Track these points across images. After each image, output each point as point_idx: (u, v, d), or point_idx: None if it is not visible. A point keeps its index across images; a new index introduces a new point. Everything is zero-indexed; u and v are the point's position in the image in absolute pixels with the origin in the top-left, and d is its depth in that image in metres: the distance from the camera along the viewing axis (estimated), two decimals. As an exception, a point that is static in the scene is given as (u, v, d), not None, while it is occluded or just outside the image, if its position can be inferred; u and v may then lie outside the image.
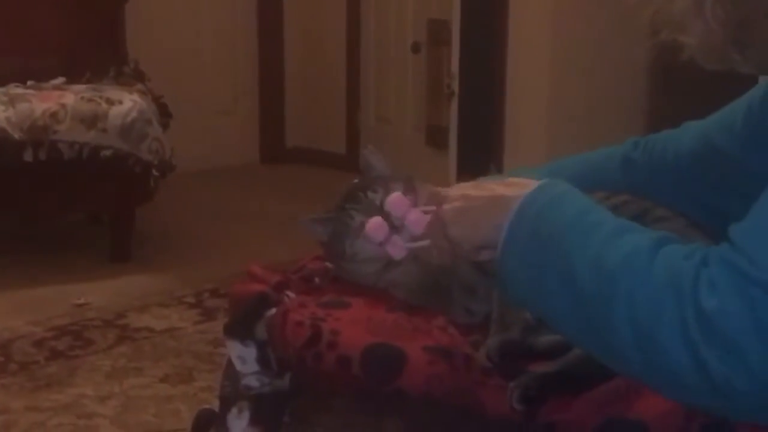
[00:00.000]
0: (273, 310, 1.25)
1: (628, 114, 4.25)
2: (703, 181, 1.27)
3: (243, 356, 1.25)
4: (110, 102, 3.48)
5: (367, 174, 1.35)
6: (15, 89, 3.61)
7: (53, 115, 3.39)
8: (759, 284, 0.85)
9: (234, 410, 1.27)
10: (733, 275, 0.86)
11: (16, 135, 3.34)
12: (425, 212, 1.23)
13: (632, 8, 1.01)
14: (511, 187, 1.05)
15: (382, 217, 1.24)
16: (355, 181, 1.35)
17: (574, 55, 4.10)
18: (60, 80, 3.79)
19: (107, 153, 3.43)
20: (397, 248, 1.22)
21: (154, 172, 3.52)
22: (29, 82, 3.72)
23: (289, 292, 1.31)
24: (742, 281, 0.85)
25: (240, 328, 1.27)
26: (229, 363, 1.29)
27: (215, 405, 1.36)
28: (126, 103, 3.49)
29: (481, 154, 4.39)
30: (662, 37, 0.99)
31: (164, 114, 3.82)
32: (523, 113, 4.21)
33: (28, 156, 3.35)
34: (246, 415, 1.25)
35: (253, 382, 1.25)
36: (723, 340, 0.84)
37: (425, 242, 1.19)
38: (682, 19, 0.96)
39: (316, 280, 1.37)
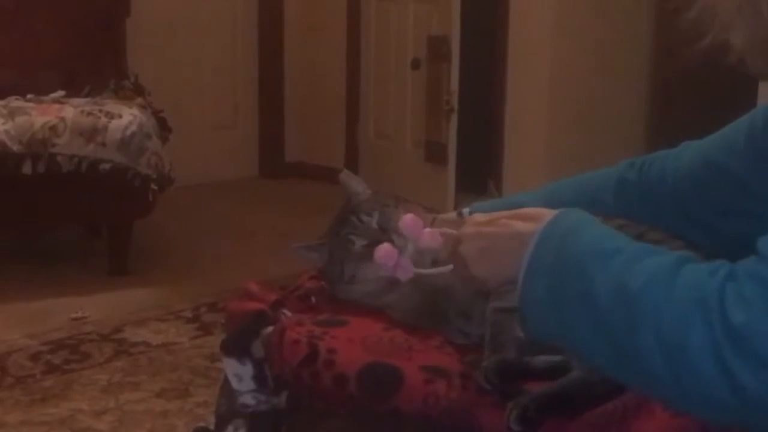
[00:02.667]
0: (270, 329, 1.25)
1: (628, 130, 4.26)
2: (703, 201, 1.25)
3: (239, 374, 1.25)
4: (110, 116, 3.49)
5: (351, 198, 1.36)
6: (15, 102, 3.61)
7: (52, 129, 3.39)
8: None
9: (230, 428, 1.26)
10: (763, 287, 0.85)
11: (15, 148, 3.34)
12: (441, 233, 1.23)
13: (673, 12, 0.99)
14: (526, 221, 1.04)
15: (387, 240, 1.25)
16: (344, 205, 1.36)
17: (574, 72, 4.11)
18: (60, 93, 3.79)
19: (106, 166, 3.43)
20: (406, 271, 1.22)
21: (153, 186, 3.52)
22: (29, 95, 3.72)
23: (285, 311, 1.31)
24: None
25: (237, 346, 1.26)
26: (226, 381, 1.28)
27: (211, 421, 1.36)
28: (125, 117, 3.50)
29: (479, 171, 4.39)
30: (707, 41, 0.96)
31: (164, 128, 3.82)
32: (522, 130, 4.22)
33: (26, 169, 3.35)
34: (242, 433, 1.25)
35: (249, 400, 1.25)
36: (753, 353, 0.83)
37: (448, 267, 1.19)
38: (730, 18, 0.93)
39: (313, 299, 1.37)
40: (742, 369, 0.84)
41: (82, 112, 3.49)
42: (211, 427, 1.37)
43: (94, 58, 4.09)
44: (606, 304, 0.92)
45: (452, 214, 1.43)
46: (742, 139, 1.20)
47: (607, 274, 0.93)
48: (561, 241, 0.99)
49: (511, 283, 1.03)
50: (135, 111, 3.57)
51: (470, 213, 1.41)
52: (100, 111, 3.51)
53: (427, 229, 1.23)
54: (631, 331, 0.90)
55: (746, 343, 0.84)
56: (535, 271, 0.99)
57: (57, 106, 3.57)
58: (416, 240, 1.23)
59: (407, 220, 1.24)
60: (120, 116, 3.49)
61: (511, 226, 1.05)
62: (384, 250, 1.22)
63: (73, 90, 3.85)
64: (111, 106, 3.60)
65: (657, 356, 0.88)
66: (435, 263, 1.24)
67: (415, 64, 4.53)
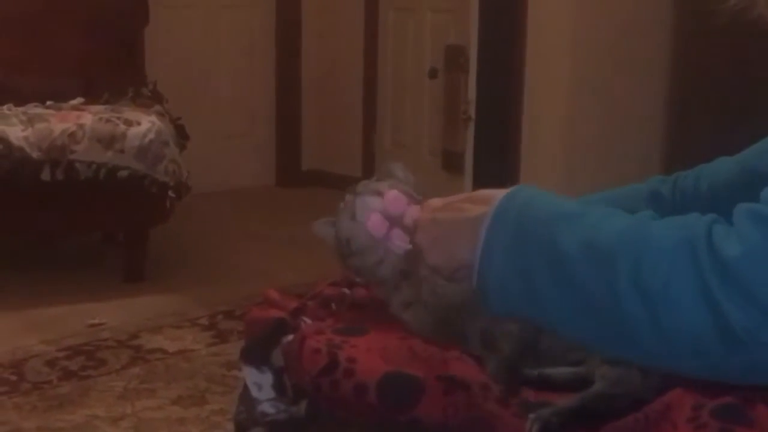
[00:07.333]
0: (290, 337, 1.24)
1: (646, 143, 4.25)
2: None
3: (259, 382, 1.25)
4: (128, 123, 3.50)
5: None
6: (34, 109, 3.63)
7: (71, 135, 3.41)
8: None
9: (249, 436, 1.26)
10: (761, 222, 0.82)
11: (34, 154, 3.35)
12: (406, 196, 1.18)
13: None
14: (479, 204, 1.01)
15: (381, 211, 1.19)
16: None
17: (592, 82, 4.10)
18: (79, 100, 3.81)
19: (124, 174, 3.45)
20: (399, 241, 1.16)
21: (170, 194, 3.53)
22: (48, 102, 3.75)
23: (305, 318, 1.30)
24: None
25: (256, 354, 1.26)
26: (245, 389, 1.28)
27: (228, 428, 1.36)
28: (144, 125, 3.51)
29: (496, 180, 4.39)
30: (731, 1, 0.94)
31: (181, 136, 3.83)
32: (540, 139, 4.21)
33: (45, 175, 3.37)
34: (261, 441, 1.25)
35: (268, 408, 1.24)
36: (745, 288, 0.80)
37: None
38: None
39: (333, 306, 1.36)
40: (732, 304, 0.80)
41: (101, 119, 3.50)
42: (229, 435, 1.36)
43: (112, 66, 4.12)
44: (576, 265, 0.88)
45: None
46: None
47: (574, 233, 0.90)
48: (518, 213, 0.96)
49: (465, 269, 1.00)
50: (153, 118, 3.58)
51: None
52: (119, 118, 3.53)
53: (414, 206, 1.15)
54: (606, 287, 0.86)
55: (738, 276, 0.81)
56: (492, 246, 0.96)
57: (76, 113, 3.59)
58: (401, 215, 1.16)
59: (390, 196, 1.17)
60: (138, 123, 3.51)
61: (464, 209, 1.02)
62: (373, 219, 1.17)
63: (92, 97, 3.87)
64: (129, 113, 3.61)
65: (637, 307, 0.84)
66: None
67: (433, 74, 4.53)
